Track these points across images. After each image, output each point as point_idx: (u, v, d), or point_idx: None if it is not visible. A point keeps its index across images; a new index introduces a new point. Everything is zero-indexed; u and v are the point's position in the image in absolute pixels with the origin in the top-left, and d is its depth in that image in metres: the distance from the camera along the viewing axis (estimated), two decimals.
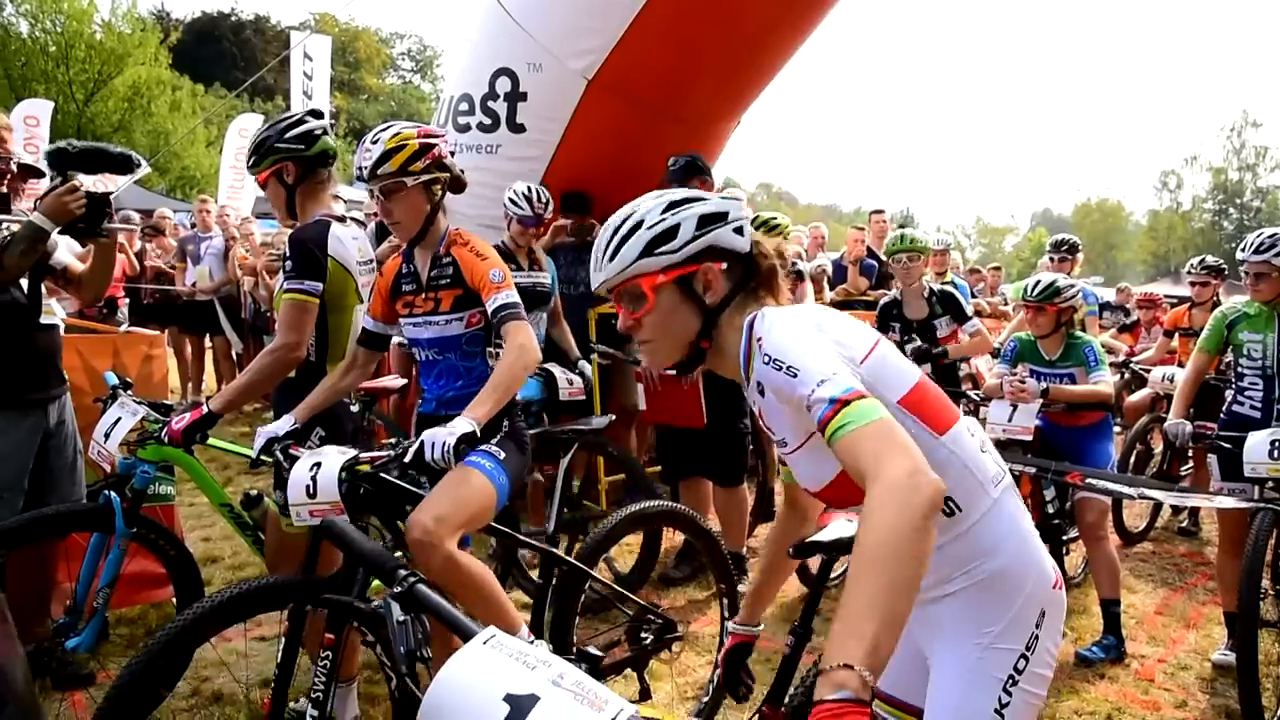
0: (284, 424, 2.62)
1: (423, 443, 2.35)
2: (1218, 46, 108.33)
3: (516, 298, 2.74)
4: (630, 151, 5.21)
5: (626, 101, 5.04)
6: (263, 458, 2.57)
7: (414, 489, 2.53)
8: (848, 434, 1.29)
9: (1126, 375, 6.46)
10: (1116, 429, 6.52)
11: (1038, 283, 4.11)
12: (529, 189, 4.45)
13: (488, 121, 5.25)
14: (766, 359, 1.47)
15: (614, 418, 3.66)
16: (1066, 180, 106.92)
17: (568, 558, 2.88)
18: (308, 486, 2.27)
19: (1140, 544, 5.77)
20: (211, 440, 3.02)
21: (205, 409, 2.78)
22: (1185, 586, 5.03)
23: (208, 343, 9.07)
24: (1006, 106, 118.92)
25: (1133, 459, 6.06)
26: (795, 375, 1.40)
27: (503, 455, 2.71)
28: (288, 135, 2.88)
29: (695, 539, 3.27)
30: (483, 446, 2.68)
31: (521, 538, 2.94)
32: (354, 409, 3.28)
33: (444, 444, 2.33)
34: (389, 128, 2.69)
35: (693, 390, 4.28)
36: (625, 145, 5.18)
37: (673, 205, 1.60)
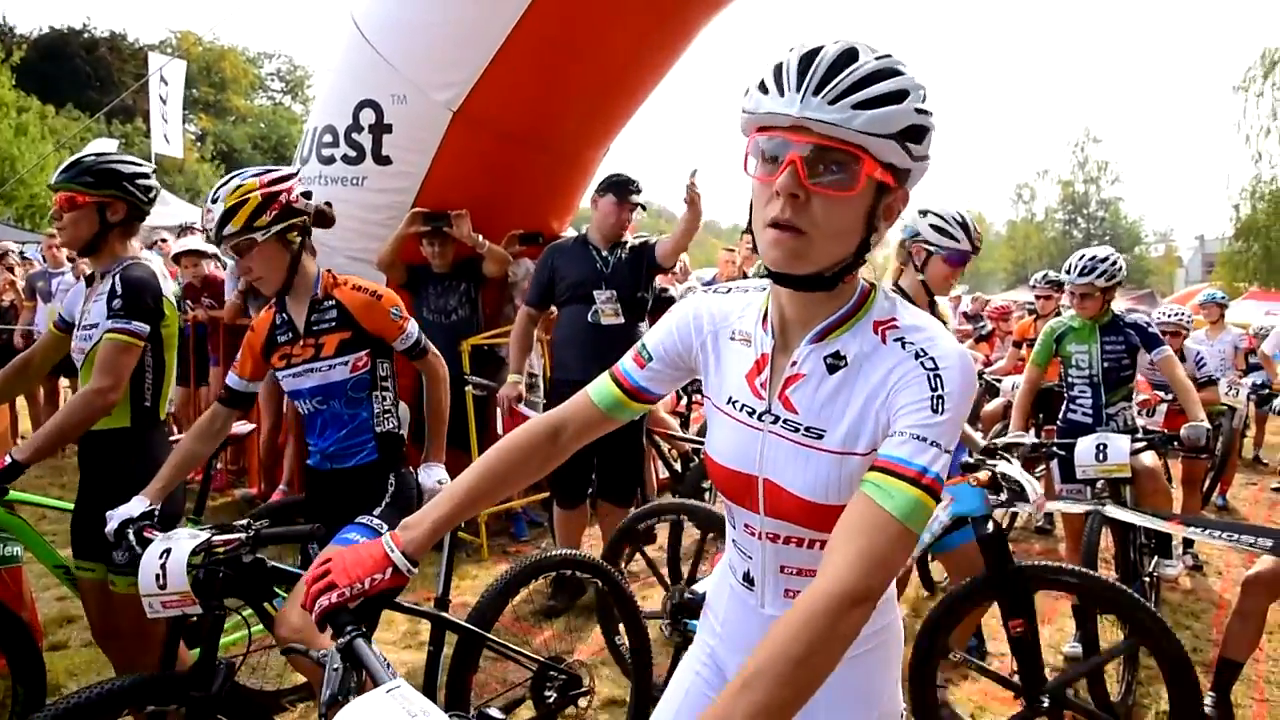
0: (137, 505, 2.45)
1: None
2: (1061, 67, 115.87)
3: (416, 326, 2.81)
4: (499, 182, 5.22)
5: (492, 133, 5.04)
6: (120, 544, 2.40)
7: (282, 566, 2.39)
8: (884, 509, 1.15)
9: (981, 385, 6.82)
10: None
11: None
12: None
13: (352, 154, 5.17)
14: (926, 361, 1.24)
15: None
16: (933, 192, 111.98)
17: (459, 621, 2.68)
18: (157, 576, 2.13)
19: None
20: (17, 494, 2.88)
21: (9, 459, 2.65)
22: None
23: (63, 383, 8.57)
24: None
25: None
26: (940, 415, 1.20)
27: (384, 529, 2.60)
28: (138, 181, 2.86)
29: (602, 582, 3.07)
30: (361, 519, 2.63)
31: (407, 605, 2.74)
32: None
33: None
34: (229, 181, 2.59)
35: None
36: (493, 176, 5.19)
37: (925, 109, 1.22)
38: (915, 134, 1.20)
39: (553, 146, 5.31)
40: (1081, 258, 4.08)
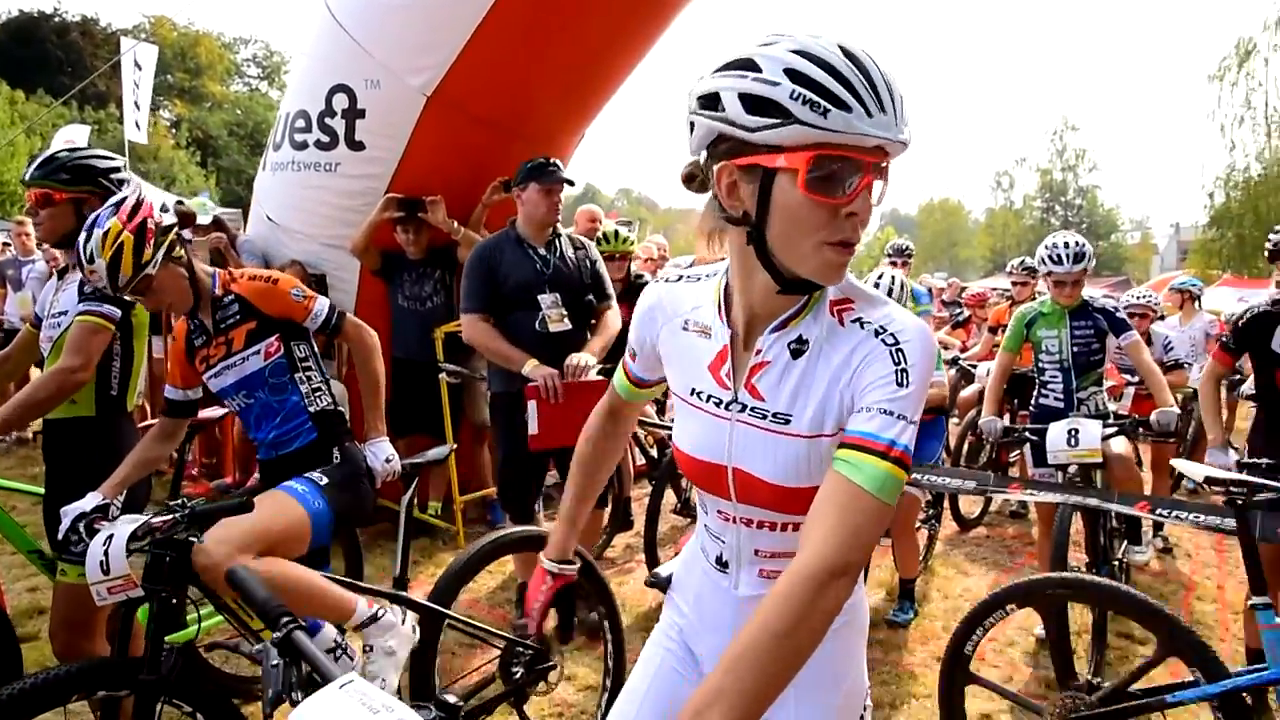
0: (91, 500, 2.48)
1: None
2: (1040, 56, 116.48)
3: (325, 303, 2.80)
4: (473, 168, 5.18)
5: (467, 118, 5.00)
6: (70, 538, 2.42)
7: None
8: (856, 484, 1.17)
9: (957, 371, 6.87)
10: (955, 421, 6.95)
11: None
12: None
13: (326, 139, 5.13)
14: (886, 338, 1.26)
15: (455, 447, 3.50)
16: (911, 182, 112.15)
17: (420, 600, 2.70)
18: (101, 563, 2.15)
19: (976, 529, 6.14)
20: None
21: None
22: (1014, 566, 5.38)
23: (33, 373, 8.46)
24: None
25: (965, 449, 6.46)
26: (905, 389, 1.22)
27: (324, 481, 2.65)
28: (112, 176, 2.89)
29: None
30: (305, 473, 2.66)
31: (363, 585, 2.77)
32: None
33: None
34: (91, 236, 2.47)
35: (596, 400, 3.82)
36: (468, 162, 5.15)
37: None
38: None
39: (528, 132, 5.27)
40: (1067, 246, 4.04)
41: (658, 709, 1.56)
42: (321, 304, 2.78)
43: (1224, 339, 3.71)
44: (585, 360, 3.71)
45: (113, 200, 2.56)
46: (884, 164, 1.20)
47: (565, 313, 3.94)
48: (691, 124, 1.26)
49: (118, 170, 2.90)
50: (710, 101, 1.21)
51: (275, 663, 1.30)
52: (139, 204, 2.54)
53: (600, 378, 3.64)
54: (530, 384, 3.66)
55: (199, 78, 48.68)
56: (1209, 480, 2.74)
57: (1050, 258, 4.06)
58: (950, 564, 5.38)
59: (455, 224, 5.10)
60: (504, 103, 5.05)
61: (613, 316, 4.16)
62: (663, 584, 1.73)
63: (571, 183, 4.20)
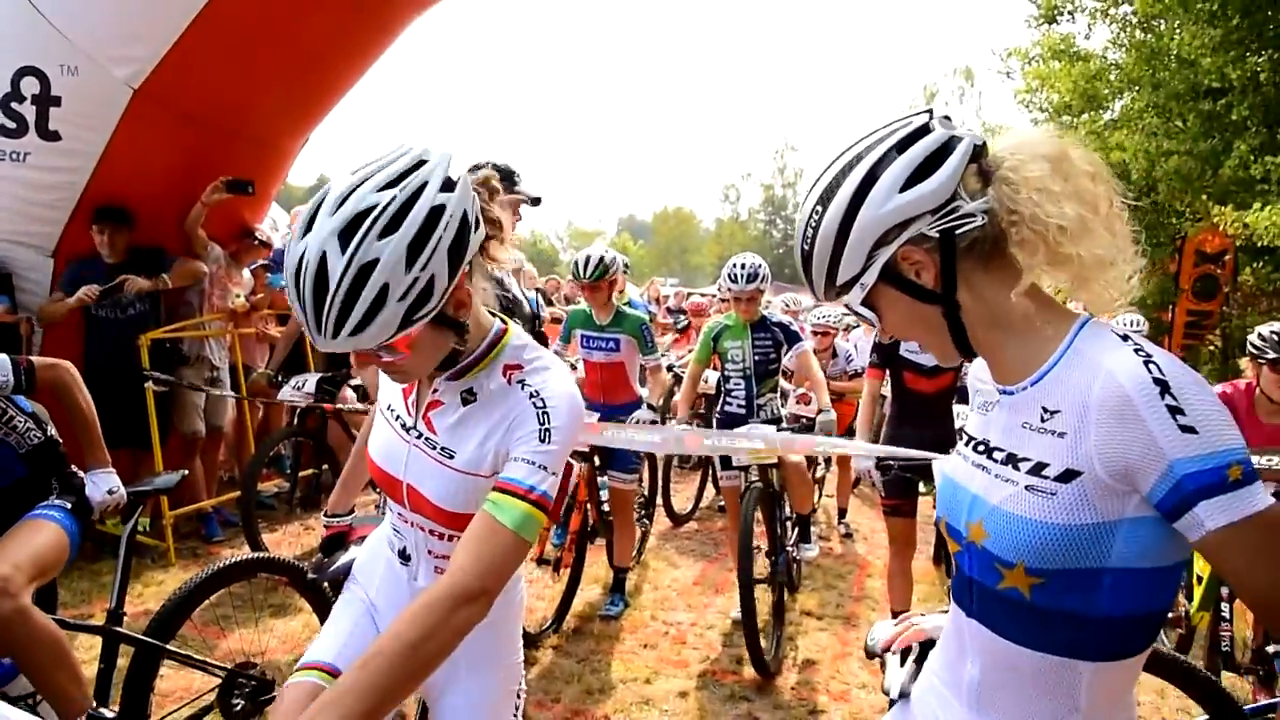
0: None
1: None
2: (766, 78, 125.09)
3: (5, 358, 2.60)
4: (186, 167, 4.97)
5: (179, 115, 4.78)
6: None
7: None
8: (500, 521, 1.36)
9: (672, 376, 7.36)
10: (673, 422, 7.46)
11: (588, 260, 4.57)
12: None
13: (11, 125, 4.66)
14: (537, 401, 1.48)
15: (185, 473, 3.30)
16: (648, 189, 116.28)
17: (136, 634, 2.57)
18: None
19: (688, 524, 6.66)
20: None
21: None
22: (719, 557, 5.87)
23: None
24: (595, 117, 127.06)
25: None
26: (547, 445, 1.44)
27: (69, 505, 2.63)
28: None
29: (297, 586, 3.03)
30: (45, 502, 2.62)
31: (71, 622, 2.62)
32: None
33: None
34: None
35: None
36: (180, 160, 4.93)
37: (415, 276, 1.33)
38: (419, 297, 1.31)
39: (246, 132, 5.11)
40: (743, 267, 4.47)
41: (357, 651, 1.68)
42: (2, 370, 2.56)
43: (870, 357, 4.32)
44: None
45: None
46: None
47: None
48: None
49: None
50: None
51: None
52: None
53: None
54: None
55: None
56: None
57: (729, 276, 4.51)
58: (661, 556, 5.82)
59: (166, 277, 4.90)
60: (221, 101, 4.89)
61: None
62: (341, 572, 1.87)
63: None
